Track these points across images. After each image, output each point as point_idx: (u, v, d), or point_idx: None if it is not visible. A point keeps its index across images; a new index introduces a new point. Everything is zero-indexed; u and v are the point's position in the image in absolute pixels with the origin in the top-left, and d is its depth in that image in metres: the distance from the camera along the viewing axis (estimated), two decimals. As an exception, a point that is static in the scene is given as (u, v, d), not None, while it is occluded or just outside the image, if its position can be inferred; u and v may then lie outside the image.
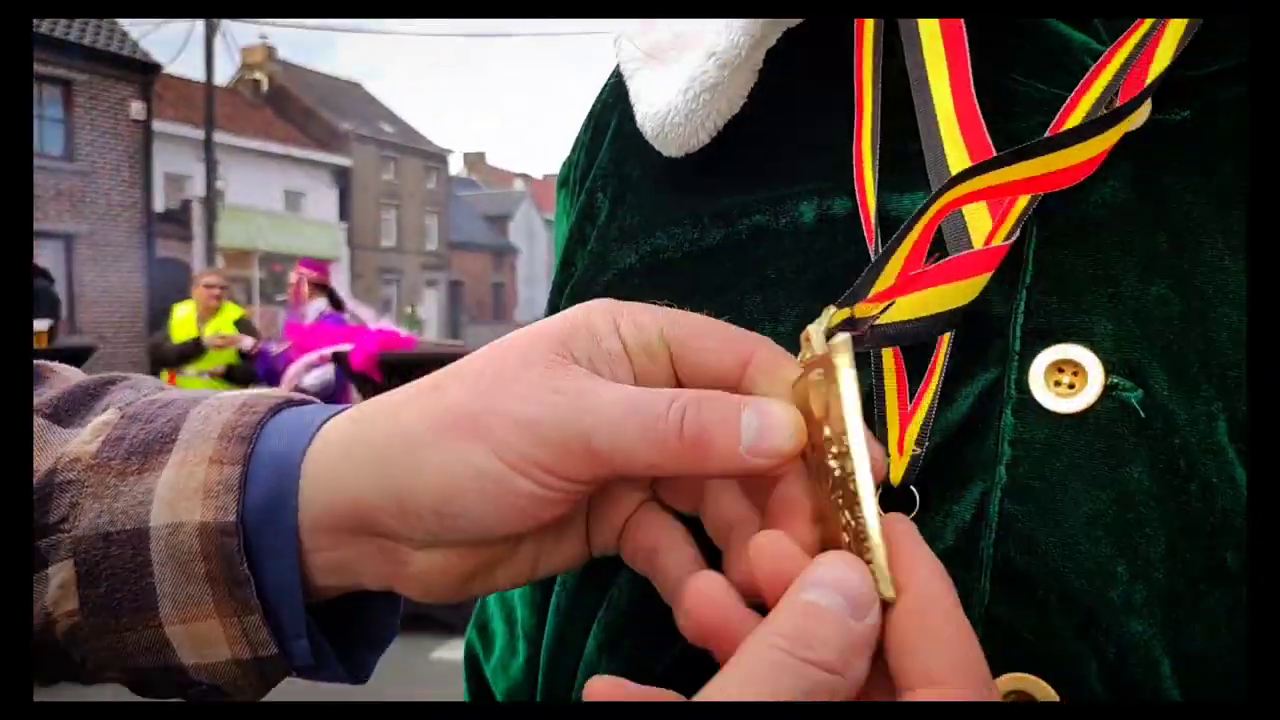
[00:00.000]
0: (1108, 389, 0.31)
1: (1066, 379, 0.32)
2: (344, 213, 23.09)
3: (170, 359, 4.72)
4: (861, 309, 0.30)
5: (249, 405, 0.34)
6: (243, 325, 4.84)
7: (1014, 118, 0.35)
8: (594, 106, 0.51)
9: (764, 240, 0.39)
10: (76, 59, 13.48)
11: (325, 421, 0.34)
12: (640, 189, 0.45)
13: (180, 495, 0.32)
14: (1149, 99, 0.33)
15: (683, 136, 0.40)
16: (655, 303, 0.40)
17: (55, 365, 0.38)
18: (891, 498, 0.33)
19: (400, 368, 4.29)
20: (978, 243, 0.33)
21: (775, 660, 0.23)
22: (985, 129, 0.35)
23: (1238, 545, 0.29)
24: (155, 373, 4.90)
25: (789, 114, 0.41)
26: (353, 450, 0.32)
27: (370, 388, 4.40)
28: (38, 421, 0.35)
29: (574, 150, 0.51)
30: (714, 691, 0.23)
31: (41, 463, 0.33)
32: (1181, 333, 0.32)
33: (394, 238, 25.54)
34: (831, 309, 0.30)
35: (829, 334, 0.30)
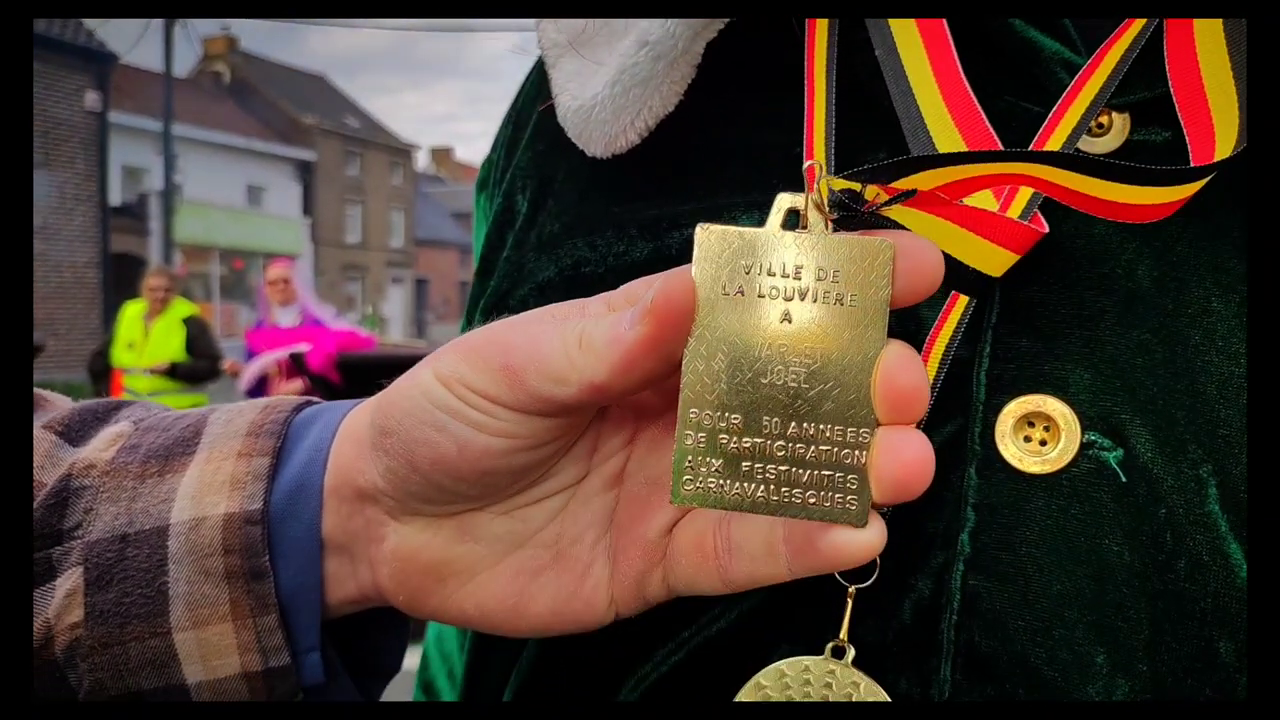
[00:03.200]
0: (1084, 447, 0.27)
1: (1038, 435, 0.28)
2: (307, 208, 22.79)
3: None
4: (871, 190, 0.26)
5: (272, 406, 0.35)
6: (193, 323, 4.73)
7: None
8: (516, 99, 0.46)
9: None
10: (29, 47, 13.11)
11: (351, 410, 0.34)
12: (562, 193, 0.40)
13: (206, 489, 0.32)
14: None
15: (609, 135, 0.36)
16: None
17: (48, 394, 0.38)
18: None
19: (359, 369, 4.21)
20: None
21: None
22: (985, 119, 0.30)
23: (1232, 633, 0.25)
24: (101, 373, 4.79)
25: (729, 114, 0.36)
26: (361, 413, 0.32)
27: (328, 390, 4.31)
28: (48, 438, 0.34)
29: (494, 149, 0.46)
30: None
31: (54, 474, 0.33)
32: (1166, 385, 0.27)
33: (358, 234, 25.26)
34: (825, 175, 0.25)
35: (833, 205, 0.25)
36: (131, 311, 4.73)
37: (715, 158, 0.36)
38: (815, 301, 0.25)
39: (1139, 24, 0.30)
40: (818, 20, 0.34)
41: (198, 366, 4.68)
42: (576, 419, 0.29)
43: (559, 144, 0.39)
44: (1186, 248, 0.29)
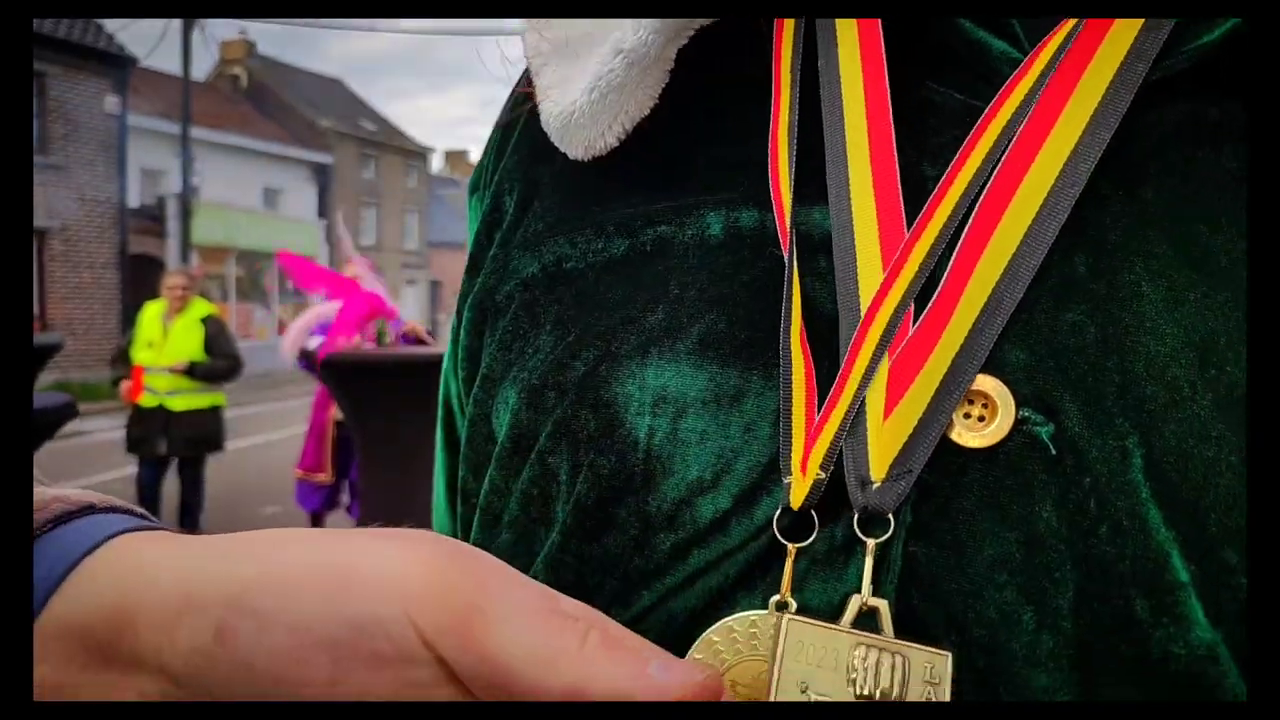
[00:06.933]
0: (1018, 423, 0.30)
1: (976, 411, 0.30)
2: (323, 210, 22.92)
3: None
4: (798, 486, 0.30)
5: (38, 506, 0.27)
6: (211, 322, 4.77)
7: (929, 131, 0.34)
8: (505, 106, 0.48)
9: (668, 253, 0.37)
10: (50, 52, 13.28)
11: (133, 531, 0.27)
12: (546, 195, 0.42)
13: None
14: None
15: (588, 139, 0.38)
16: (554, 314, 0.38)
17: None
18: (790, 522, 0.31)
19: (365, 370, 4.21)
20: (865, 300, 0.31)
21: None
22: (894, 150, 0.33)
23: (1148, 592, 0.27)
24: (120, 367, 4.85)
25: (700, 118, 0.39)
26: (186, 544, 0.26)
27: (339, 381, 4.30)
28: None
29: (484, 154, 0.48)
30: None
31: None
32: (1096, 363, 0.30)
33: (374, 236, 25.37)
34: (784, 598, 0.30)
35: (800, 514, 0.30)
36: (151, 311, 4.78)
37: (685, 159, 0.38)
38: None
39: (1072, 23, 0.32)
40: (785, 27, 0.36)
41: (216, 366, 4.72)
42: None
43: (544, 148, 0.41)
44: (1119, 235, 0.31)
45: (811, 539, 0.30)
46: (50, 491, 0.29)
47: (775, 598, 0.30)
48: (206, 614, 0.24)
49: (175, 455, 4.78)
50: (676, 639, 0.31)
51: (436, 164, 34.64)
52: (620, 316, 0.36)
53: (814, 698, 0.27)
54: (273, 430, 9.24)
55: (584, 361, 0.36)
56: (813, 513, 0.30)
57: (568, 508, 0.34)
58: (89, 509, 0.28)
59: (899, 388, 0.30)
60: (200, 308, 4.80)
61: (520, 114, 0.45)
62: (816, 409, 0.31)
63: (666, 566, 0.32)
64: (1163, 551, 0.27)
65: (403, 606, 0.24)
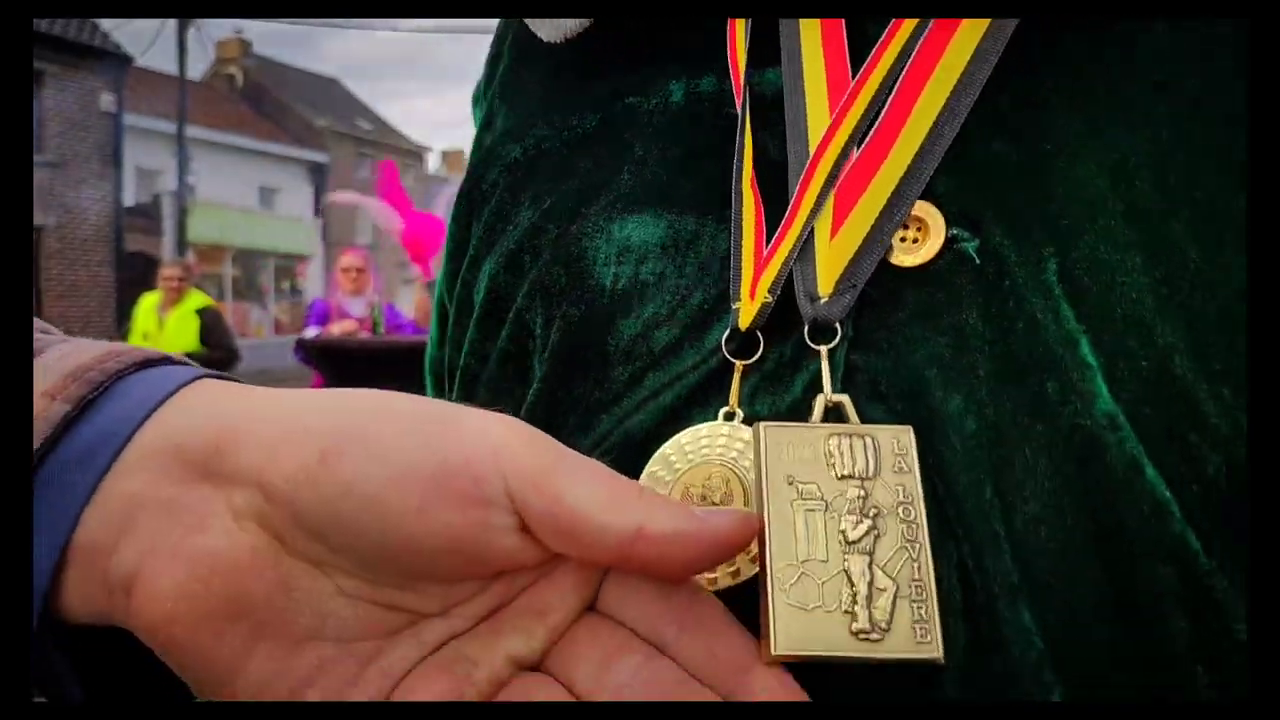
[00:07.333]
0: (948, 241, 0.32)
1: (911, 235, 0.33)
2: (319, 209, 22.89)
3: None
4: (746, 309, 0.32)
5: (115, 353, 0.29)
6: (207, 314, 4.75)
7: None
8: (499, 25, 0.51)
9: (634, 121, 0.40)
10: (46, 50, 13.26)
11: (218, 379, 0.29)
12: (532, 91, 0.45)
13: None
14: None
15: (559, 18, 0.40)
16: (532, 191, 0.41)
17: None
18: (738, 342, 0.33)
19: (360, 359, 4.21)
20: (814, 143, 0.34)
21: None
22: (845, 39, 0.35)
23: (1058, 375, 0.30)
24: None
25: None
26: (284, 391, 0.28)
27: (332, 367, 4.29)
28: None
29: (485, 69, 0.51)
30: None
31: None
32: (1019, 184, 0.32)
33: (369, 235, 25.35)
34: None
35: (753, 330, 0.32)
36: (147, 303, 4.76)
37: (650, 35, 0.41)
38: None
39: None
40: None
41: (211, 358, 4.69)
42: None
43: (529, 52, 0.44)
44: (1042, 75, 0.33)
45: (757, 356, 0.33)
46: (118, 344, 0.30)
47: (724, 409, 0.32)
48: (313, 438, 0.26)
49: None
50: (634, 459, 0.33)
51: (433, 163, 34.62)
52: (590, 182, 0.39)
53: (800, 487, 0.29)
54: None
55: (557, 225, 0.39)
56: (759, 333, 0.33)
57: (544, 358, 0.37)
58: (167, 359, 0.30)
59: (843, 211, 0.33)
60: (196, 299, 4.78)
61: (511, 25, 0.48)
62: (765, 242, 0.34)
63: (623, 393, 0.34)
64: (1072, 340, 0.30)
65: (493, 452, 0.26)
